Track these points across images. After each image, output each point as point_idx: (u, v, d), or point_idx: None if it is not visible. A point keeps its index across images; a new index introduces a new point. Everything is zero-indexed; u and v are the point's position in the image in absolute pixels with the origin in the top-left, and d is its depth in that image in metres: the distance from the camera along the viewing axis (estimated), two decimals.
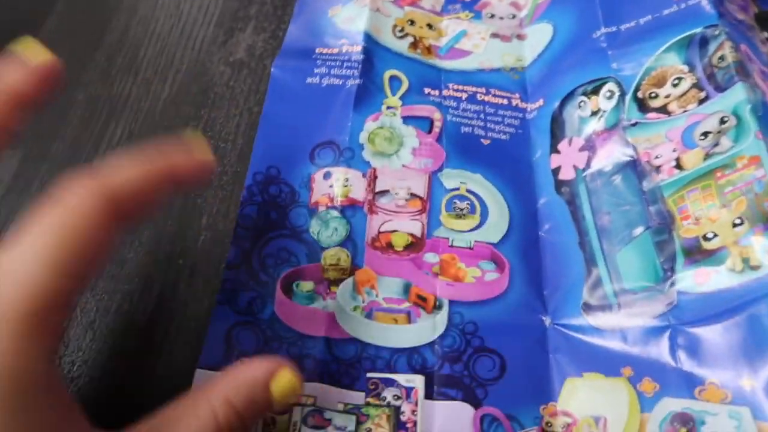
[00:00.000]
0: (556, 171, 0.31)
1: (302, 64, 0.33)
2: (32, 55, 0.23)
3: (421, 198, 0.30)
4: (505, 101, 0.34)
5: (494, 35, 0.37)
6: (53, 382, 0.19)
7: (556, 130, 0.32)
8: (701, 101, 0.28)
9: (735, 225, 0.25)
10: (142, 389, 0.27)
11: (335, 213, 0.29)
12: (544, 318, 0.28)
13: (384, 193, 0.30)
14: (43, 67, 0.23)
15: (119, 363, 0.28)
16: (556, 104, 0.33)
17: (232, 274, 0.28)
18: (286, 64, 0.34)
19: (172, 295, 0.29)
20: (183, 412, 0.20)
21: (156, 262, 0.30)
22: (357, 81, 0.32)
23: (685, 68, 0.29)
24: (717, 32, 0.29)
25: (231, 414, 0.20)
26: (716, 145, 0.27)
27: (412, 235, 0.29)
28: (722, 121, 0.27)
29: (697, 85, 0.29)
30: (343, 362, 0.26)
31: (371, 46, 0.34)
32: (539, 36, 0.36)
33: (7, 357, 0.17)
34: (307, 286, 0.27)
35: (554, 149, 0.32)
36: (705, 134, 0.28)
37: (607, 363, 0.26)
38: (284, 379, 0.22)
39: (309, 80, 0.33)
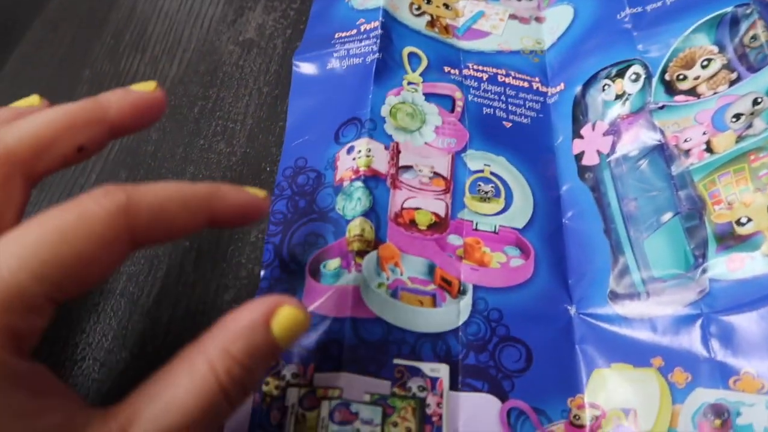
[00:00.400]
0: (579, 156, 0.30)
1: (321, 52, 0.33)
2: (142, 87, 0.22)
3: (444, 178, 0.29)
4: (526, 84, 0.33)
5: (512, 17, 0.35)
6: (18, 368, 0.17)
7: (579, 114, 0.31)
8: (732, 82, 0.27)
9: None
10: (146, 373, 0.26)
11: (358, 183, 0.28)
12: (569, 307, 0.27)
13: (407, 168, 0.29)
14: (145, 96, 0.22)
15: (123, 346, 0.27)
16: (578, 88, 0.32)
17: (268, 272, 0.27)
18: (307, 56, 0.33)
19: (178, 278, 0.28)
20: (178, 374, 0.18)
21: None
22: (376, 55, 0.31)
23: (715, 49, 0.29)
24: (749, 11, 0.28)
25: (233, 366, 0.18)
26: (749, 127, 0.26)
27: (435, 214, 0.28)
28: (755, 102, 0.26)
29: (727, 66, 0.28)
30: (369, 345, 0.25)
31: (389, 21, 0.33)
32: (558, 18, 0.35)
33: None
34: (333, 264, 0.26)
35: (577, 134, 0.31)
36: (737, 116, 0.27)
37: (635, 353, 0.25)
38: (285, 313, 0.19)
39: (330, 65, 0.32)
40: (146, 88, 0.22)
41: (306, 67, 0.33)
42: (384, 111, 0.30)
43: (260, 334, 0.18)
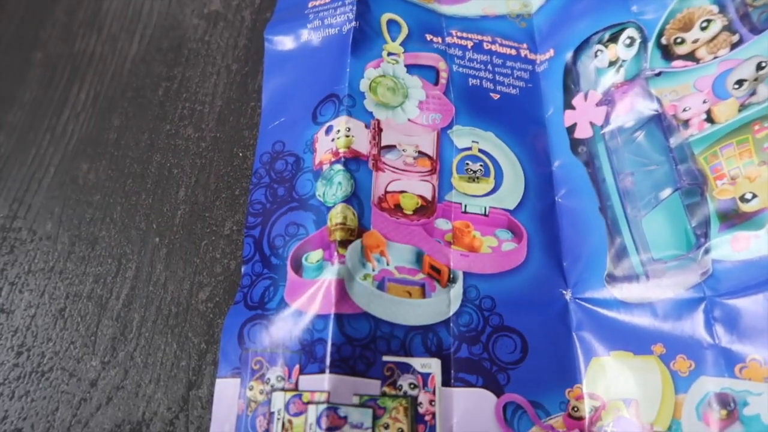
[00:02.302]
0: (571, 129, 0.28)
1: (294, 24, 0.30)
2: None
3: (430, 157, 0.27)
4: (513, 51, 0.31)
5: None
6: None
7: (570, 83, 0.29)
8: (734, 45, 0.26)
9: None
10: (119, 382, 0.24)
11: (338, 167, 0.26)
12: (564, 292, 0.25)
13: (390, 148, 0.27)
14: None
15: (93, 353, 0.25)
16: (569, 55, 0.30)
17: (249, 268, 0.26)
18: (279, 29, 0.30)
19: (149, 277, 0.26)
20: None
21: (130, 241, 0.27)
22: (353, 24, 0.29)
23: (715, 9, 0.27)
24: None
25: None
26: (753, 94, 0.25)
27: (422, 197, 0.26)
28: (759, 67, 0.25)
29: (728, 28, 0.26)
30: (356, 343, 0.23)
31: None
32: None
33: None
34: (315, 256, 0.25)
35: (568, 105, 0.29)
36: (739, 82, 0.25)
37: (635, 340, 0.24)
38: None
39: (304, 38, 0.30)
40: None
41: (279, 42, 0.30)
42: (363, 85, 0.28)
43: None
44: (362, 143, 0.27)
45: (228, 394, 0.23)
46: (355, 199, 0.25)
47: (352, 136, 0.27)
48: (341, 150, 0.26)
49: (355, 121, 0.27)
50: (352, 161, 0.26)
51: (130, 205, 0.28)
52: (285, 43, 0.30)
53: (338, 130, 0.27)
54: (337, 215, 0.25)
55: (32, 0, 0.34)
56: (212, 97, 0.31)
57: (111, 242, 0.27)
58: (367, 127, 0.27)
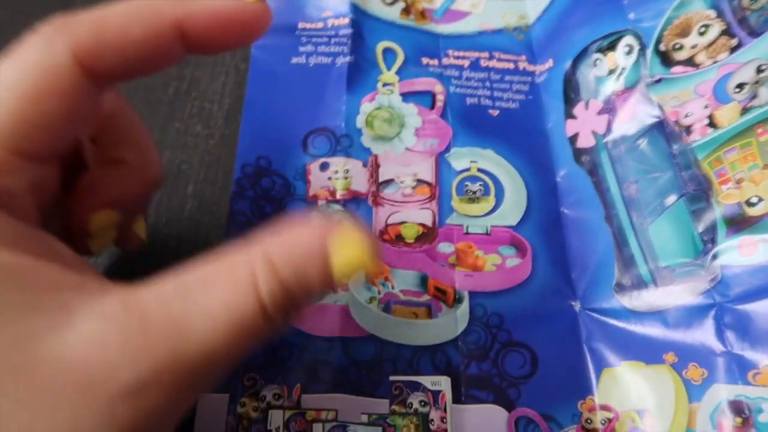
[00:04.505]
0: (573, 139, 0.28)
1: (285, 42, 0.30)
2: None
3: (429, 184, 0.27)
4: (511, 65, 0.31)
5: None
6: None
7: (570, 93, 0.29)
8: (733, 49, 0.25)
9: None
10: None
11: (337, 207, 0.26)
12: (573, 303, 0.25)
13: (388, 182, 0.27)
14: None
15: None
16: (568, 64, 0.30)
17: None
18: (267, 43, 0.31)
19: (158, 270, 0.27)
20: (217, 273, 0.15)
21: None
22: (347, 59, 0.29)
23: (712, 13, 0.26)
24: None
25: (275, 286, 0.15)
26: (754, 97, 0.24)
27: (422, 225, 0.27)
28: (759, 70, 0.24)
29: (727, 32, 0.26)
30: (362, 366, 0.23)
31: (359, 17, 0.31)
32: None
33: None
34: None
35: (569, 115, 0.29)
36: (740, 86, 0.25)
37: (647, 349, 0.23)
38: (350, 250, 0.16)
39: (294, 60, 0.30)
40: None
41: (266, 57, 0.31)
42: (360, 122, 0.28)
43: (316, 264, 0.16)
44: (361, 183, 0.27)
45: (213, 410, 0.23)
46: None
47: (351, 178, 0.27)
48: (339, 192, 0.27)
49: (353, 161, 0.27)
50: (352, 201, 0.27)
51: None
52: (273, 59, 0.30)
53: (336, 171, 0.27)
54: None
55: (49, 6, 0.36)
56: (221, 96, 0.31)
57: None
58: (364, 165, 0.27)
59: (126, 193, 0.21)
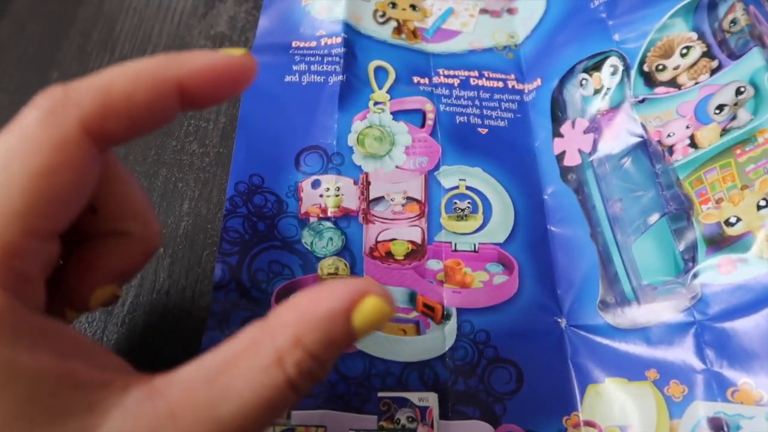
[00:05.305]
0: (560, 157, 0.29)
1: (279, 60, 0.31)
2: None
3: (418, 201, 0.28)
4: (500, 84, 0.32)
5: (483, 11, 0.34)
6: (22, 318, 0.15)
7: (558, 111, 0.30)
8: (714, 71, 0.26)
9: (760, 207, 0.23)
10: None
11: (328, 224, 0.27)
12: (559, 320, 0.26)
13: (379, 200, 0.28)
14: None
15: None
16: (555, 83, 0.30)
17: (222, 294, 0.26)
18: (261, 61, 0.31)
19: (153, 285, 0.27)
20: (242, 358, 0.16)
21: None
22: (339, 77, 0.30)
23: (694, 35, 0.27)
24: None
25: (304, 359, 0.15)
26: (733, 118, 0.25)
27: (412, 242, 0.27)
28: (738, 92, 0.25)
29: (708, 54, 0.27)
30: (351, 381, 0.24)
31: (352, 36, 0.31)
32: (532, 8, 0.34)
33: None
34: None
35: (557, 133, 0.30)
36: (720, 107, 0.25)
37: (630, 366, 0.24)
38: (370, 305, 0.16)
39: (288, 78, 0.30)
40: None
41: (260, 74, 0.31)
42: (351, 140, 0.29)
43: (339, 325, 0.16)
44: (351, 200, 0.28)
45: None
46: (346, 251, 0.27)
47: (342, 195, 0.28)
48: (331, 210, 0.27)
49: (345, 179, 0.28)
50: (343, 219, 0.27)
51: None
52: (267, 77, 0.30)
53: (327, 188, 0.28)
54: (328, 266, 0.26)
55: (49, 22, 0.36)
56: (216, 115, 0.32)
57: None
58: (355, 183, 0.28)
59: (130, 266, 0.21)
